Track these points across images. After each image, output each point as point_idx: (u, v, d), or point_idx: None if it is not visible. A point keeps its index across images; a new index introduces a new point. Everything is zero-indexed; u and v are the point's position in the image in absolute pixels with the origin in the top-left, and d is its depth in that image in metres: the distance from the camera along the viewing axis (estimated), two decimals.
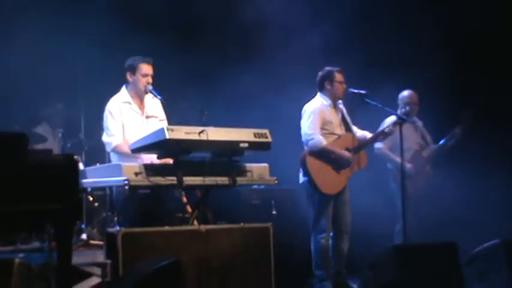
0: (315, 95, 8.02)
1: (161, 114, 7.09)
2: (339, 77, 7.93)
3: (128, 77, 7.00)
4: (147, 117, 6.99)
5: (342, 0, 9.46)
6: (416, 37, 9.66)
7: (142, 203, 6.59)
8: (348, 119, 8.07)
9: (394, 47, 9.39)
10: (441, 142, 8.94)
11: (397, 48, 9.38)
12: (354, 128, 8.08)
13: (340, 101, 8.05)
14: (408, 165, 8.50)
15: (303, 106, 7.95)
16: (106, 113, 6.93)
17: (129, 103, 6.96)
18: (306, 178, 7.77)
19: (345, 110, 8.08)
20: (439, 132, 9.04)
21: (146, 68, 6.95)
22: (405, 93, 8.94)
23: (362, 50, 9.53)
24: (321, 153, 7.73)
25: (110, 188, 7.50)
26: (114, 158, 6.95)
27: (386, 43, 9.47)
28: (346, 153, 7.78)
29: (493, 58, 9.58)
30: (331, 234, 7.86)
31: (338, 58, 8.59)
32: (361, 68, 9.09)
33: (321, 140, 7.73)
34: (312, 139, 7.74)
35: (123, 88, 7.03)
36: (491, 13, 9.62)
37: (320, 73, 8.00)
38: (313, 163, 7.74)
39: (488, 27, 9.62)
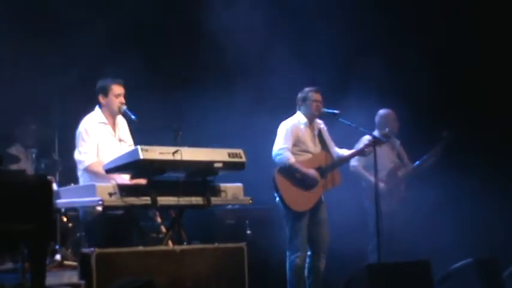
0: (293, 113, 8.06)
1: (129, 139, 7.08)
2: (314, 96, 7.96)
3: (101, 99, 6.96)
4: (120, 140, 6.98)
5: (324, 18, 9.51)
6: (397, 56, 9.72)
7: (111, 224, 6.57)
8: (327, 138, 8.10)
9: (374, 65, 9.45)
10: (418, 162, 9.00)
11: (377, 66, 9.45)
12: (335, 149, 8.10)
13: (321, 121, 8.09)
14: (381, 185, 8.53)
15: (278, 125, 7.98)
16: (81, 131, 6.86)
17: (104, 123, 6.94)
18: (278, 196, 7.79)
19: (325, 129, 8.11)
20: (417, 151, 9.09)
21: (118, 89, 6.94)
22: (383, 111, 9.01)
23: (341, 67, 9.58)
24: (289, 171, 7.76)
25: (83, 208, 7.45)
26: (84, 178, 6.85)
27: (367, 61, 9.52)
28: (312, 172, 7.78)
29: (474, 78, 9.68)
30: (308, 253, 7.87)
31: (317, 77, 8.66)
32: (339, 85, 9.15)
33: (288, 157, 7.75)
34: (280, 154, 7.76)
35: (97, 108, 6.99)
36: (474, 33, 9.74)
37: (299, 94, 8.05)
38: (282, 180, 7.76)
39: (470, 45, 9.74)
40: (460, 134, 9.01)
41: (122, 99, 6.94)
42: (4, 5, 8.76)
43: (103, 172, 6.52)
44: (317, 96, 7.98)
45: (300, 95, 8.04)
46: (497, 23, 9.64)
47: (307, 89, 8.03)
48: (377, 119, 9.03)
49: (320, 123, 8.10)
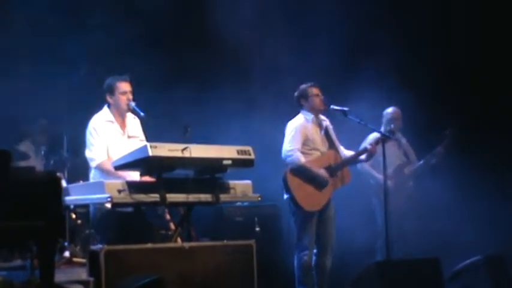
0: (298, 112, 8.03)
1: (141, 134, 7.07)
2: (313, 91, 7.93)
3: (108, 98, 6.93)
4: (129, 137, 6.96)
5: (326, 15, 9.50)
6: (403, 54, 9.70)
7: (120, 220, 6.58)
8: (334, 136, 8.07)
9: (379, 62, 9.43)
10: (422, 161, 9.00)
11: (383, 64, 9.42)
12: (341, 148, 8.07)
13: (326, 118, 8.06)
14: (388, 182, 8.52)
15: (285, 122, 7.96)
16: (90, 130, 6.85)
17: (112, 122, 6.91)
18: (288, 195, 7.78)
19: (331, 127, 8.08)
20: (422, 149, 9.08)
21: (124, 86, 6.90)
22: (389, 110, 9.02)
23: (345, 65, 9.56)
24: (300, 171, 7.75)
25: (92, 205, 7.47)
26: (95, 175, 6.87)
27: (371, 58, 9.51)
28: (322, 172, 7.75)
29: (478, 77, 9.64)
30: (315, 251, 7.86)
31: (321, 74, 8.63)
32: (344, 83, 9.14)
33: (299, 157, 7.73)
34: (291, 156, 7.74)
35: (105, 108, 6.96)
36: (478, 31, 9.71)
37: (295, 93, 8.02)
38: (294, 180, 7.74)
39: (474, 45, 9.70)
40: (463, 133, 8.99)
41: (129, 96, 6.90)
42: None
43: (114, 170, 6.52)
44: (316, 91, 7.94)
45: (297, 94, 7.99)
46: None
47: (304, 86, 7.98)
48: (384, 116, 9.02)
49: (325, 120, 8.07)
